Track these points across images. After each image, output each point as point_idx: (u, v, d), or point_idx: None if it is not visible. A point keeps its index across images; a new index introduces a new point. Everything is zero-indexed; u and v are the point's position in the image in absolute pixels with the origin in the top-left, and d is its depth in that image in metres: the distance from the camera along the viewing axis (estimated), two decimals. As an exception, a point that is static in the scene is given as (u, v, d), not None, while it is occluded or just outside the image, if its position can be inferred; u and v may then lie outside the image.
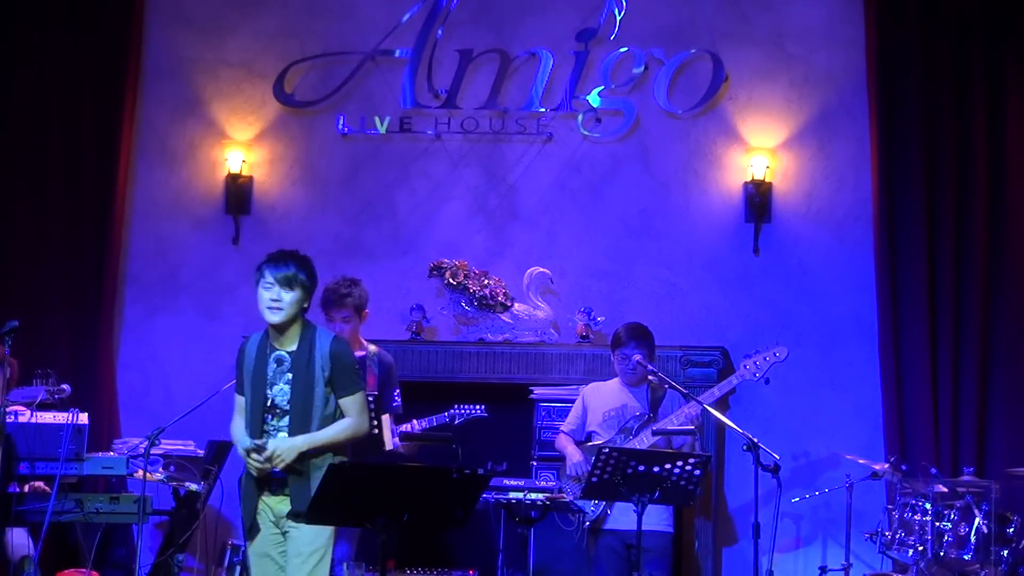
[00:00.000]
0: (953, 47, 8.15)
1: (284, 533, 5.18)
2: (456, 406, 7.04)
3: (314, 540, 5.11)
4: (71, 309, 8.49)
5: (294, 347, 5.21)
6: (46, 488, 6.66)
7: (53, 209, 8.55)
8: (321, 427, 5.17)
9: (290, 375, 5.19)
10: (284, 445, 5.11)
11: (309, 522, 4.97)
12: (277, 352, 5.23)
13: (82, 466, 6.67)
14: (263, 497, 5.20)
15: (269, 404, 5.19)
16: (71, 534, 7.21)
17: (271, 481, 5.18)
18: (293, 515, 5.12)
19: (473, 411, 7.06)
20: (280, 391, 5.20)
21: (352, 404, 5.24)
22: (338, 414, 5.24)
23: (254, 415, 5.20)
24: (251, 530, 5.22)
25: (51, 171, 8.57)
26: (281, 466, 5.09)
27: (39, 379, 6.86)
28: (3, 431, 6.14)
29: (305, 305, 5.22)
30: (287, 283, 5.16)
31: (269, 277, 5.18)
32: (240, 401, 5.32)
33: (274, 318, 5.17)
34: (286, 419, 5.17)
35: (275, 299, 5.16)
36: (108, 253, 8.45)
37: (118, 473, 6.92)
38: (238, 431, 5.29)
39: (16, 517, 6.59)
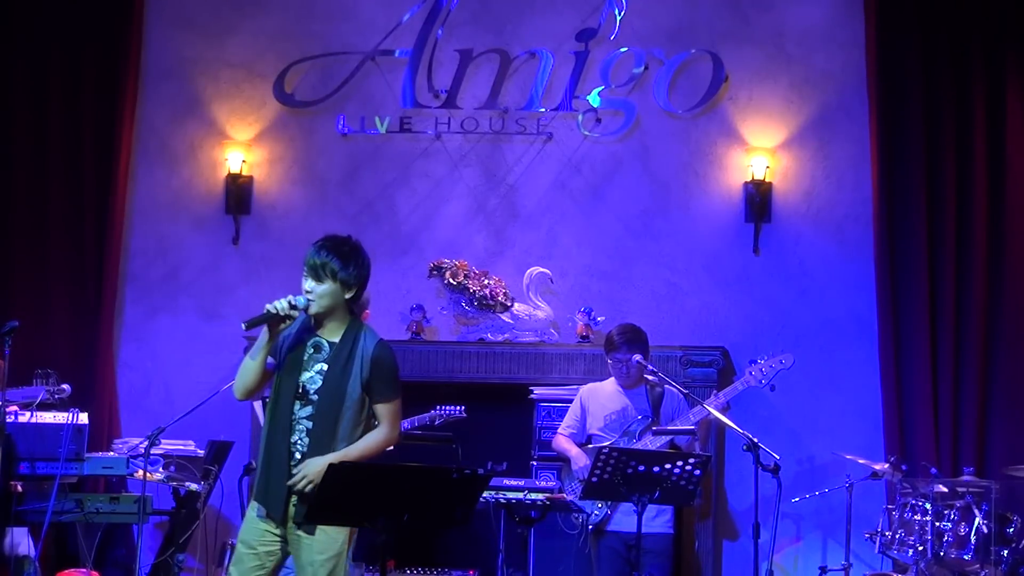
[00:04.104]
0: (953, 47, 8.15)
1: (283, 538, 5.01)
2: (437, 407, 7.02)
3: (328, 547, 4.92)
4: (71, 309, 8.49)
5: (336, 339, 4.96)
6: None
7: (53, 209, 8.55)
8: (350, 425, 4.93)
9: (324, 365, 4.94)
10: (313, 466, 4.86)
11: (308, 522, 4.91)
12: (317, 338, 4.97)
13: (82, 466, 6.67)
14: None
15: (300, 391, 4.93)
16: (71, 534, 7.20)
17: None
18: (298, 523, 4.93)
19: (454, 411, 7.03)
20: (311, 379, 4.95)
21: (386, 411, 4.99)
22: (364, 415, 4.98)
23: (283, 400, 4.93)
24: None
25: (51, 171, 8.58)
26: (309, 487, 4.83)
27: (39, 379, 6.85)
28: (3, 431, 6.14)
29: (347, 296, 4.92)
30: (315, 272, 4.87)
31: (306, 263, 4.93)
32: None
33: (309, 308, 4.91)
34: (310, 408, 4.92)
35: (307, 289, 4.90)
36: (108, 253, 8.44)
37: (118, 473, 6.93)
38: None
39: (16, 517, 6.59)
